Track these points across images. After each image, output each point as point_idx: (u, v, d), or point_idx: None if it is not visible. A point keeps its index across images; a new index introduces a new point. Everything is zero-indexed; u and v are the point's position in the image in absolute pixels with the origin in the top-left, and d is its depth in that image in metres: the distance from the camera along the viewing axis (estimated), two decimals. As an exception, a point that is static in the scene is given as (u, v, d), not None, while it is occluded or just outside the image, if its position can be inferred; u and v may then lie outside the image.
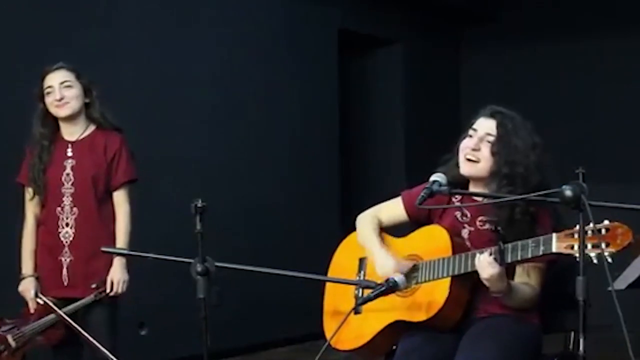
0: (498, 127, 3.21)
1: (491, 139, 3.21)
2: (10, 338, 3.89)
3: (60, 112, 4.00)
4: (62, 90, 3.97)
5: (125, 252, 3.28)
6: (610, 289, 2.66)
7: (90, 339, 3.51)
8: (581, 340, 2.68)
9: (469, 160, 3.23)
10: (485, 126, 3.24)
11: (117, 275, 3.99)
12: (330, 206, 7.37)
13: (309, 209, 7.13)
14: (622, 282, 2.91)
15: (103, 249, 3.26)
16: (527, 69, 8.25)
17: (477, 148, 3.22)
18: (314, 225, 7.10)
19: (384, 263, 3.27)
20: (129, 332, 4.15)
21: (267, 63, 6.86)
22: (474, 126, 3.27)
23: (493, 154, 3.19)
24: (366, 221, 3.47)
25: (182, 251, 2.99)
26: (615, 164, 7.38)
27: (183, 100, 6.23)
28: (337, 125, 7.55)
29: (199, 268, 2.84)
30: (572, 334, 3.21)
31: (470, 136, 3.26)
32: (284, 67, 7.01)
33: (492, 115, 3.25)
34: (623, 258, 2.91)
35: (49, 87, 4.00)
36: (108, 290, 3.97)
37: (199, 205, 2.86)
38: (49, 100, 4.00)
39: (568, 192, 2.63)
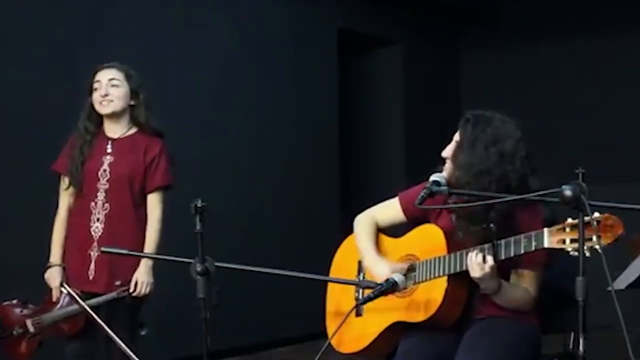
0: (460, 132, 3.21)
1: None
2: (29, 323, 3.94)
3: (103, 109, 4.03)
4: (108, 87, 4.01)
5: (125, 252, 3.28)
6: (610, 289, 2.66)
7: (111, 333, 3.52)
8: (581, 340, 2.67)
9: (445, 165, 3.25)
10: (457, 133, 3.25)
11: (142, 277, 4.01)
12: (330, 206, 7.37)
13: (309, 209, 7.14)
14: (622, 282, 2.91)
15: (103, 249, 3.26)
16: (527, 68, 8.26)
17: (447, 155, 3.24)
18: (314, 226, 7.11)
19: (379, 270, 3.26)
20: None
21: (267, 63, 6.86)
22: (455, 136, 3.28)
23: (452, 158, 3.20)
24: (363, 225, 3.47)
25: (182, 251, 2.99)
26: (615, 163, 7.38)
27: (182, 100, 6.23)
28: (337, 125, 7.55)
29: (199, 268, 2.84)
30: (572, 334, 3.22)
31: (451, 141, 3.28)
32: (284, 67, 7.01)
33: (464, 121, 3.23)
34: (623, 259, 2.92)
35: (97, 82, 4.04)
36: (131, 290, 3.98)
37: (199, 205, 2.86)
38: (94, 95, 4.03)
39: (568, 192, 2.62)
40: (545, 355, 3.23)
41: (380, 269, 3.26)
